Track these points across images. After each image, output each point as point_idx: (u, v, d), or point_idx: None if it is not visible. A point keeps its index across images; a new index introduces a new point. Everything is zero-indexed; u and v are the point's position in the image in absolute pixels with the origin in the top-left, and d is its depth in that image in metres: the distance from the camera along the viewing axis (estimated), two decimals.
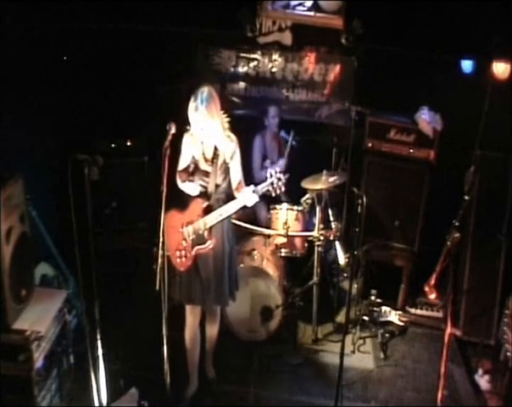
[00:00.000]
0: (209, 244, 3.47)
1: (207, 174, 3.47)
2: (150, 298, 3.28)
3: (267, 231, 4.70)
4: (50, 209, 4.39)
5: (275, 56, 5.53)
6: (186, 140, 3.44)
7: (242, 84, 5.66)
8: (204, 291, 3.54)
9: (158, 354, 3.26)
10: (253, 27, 4.84)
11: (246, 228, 4.63)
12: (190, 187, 3.49)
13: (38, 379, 3.32)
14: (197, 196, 3.49)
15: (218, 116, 3.36)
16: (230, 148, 3.45)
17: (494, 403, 4.00)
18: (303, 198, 4.65)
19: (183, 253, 3.49)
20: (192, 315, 3.68)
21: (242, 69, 5.61)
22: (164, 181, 3.17)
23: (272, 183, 3.36)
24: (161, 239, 3.19)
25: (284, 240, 4.65)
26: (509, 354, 4.03)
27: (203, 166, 3.47)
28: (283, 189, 3.40)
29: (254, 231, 4.69)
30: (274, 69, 5.58)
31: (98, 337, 3.20)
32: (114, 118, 4.95)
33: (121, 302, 4.50)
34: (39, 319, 3.43)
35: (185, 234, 3.49)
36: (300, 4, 4.87)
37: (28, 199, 3.65)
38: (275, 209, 4.72)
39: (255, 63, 5.58)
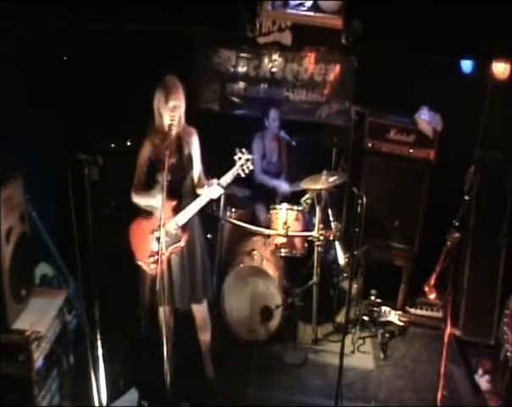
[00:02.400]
0: (182, 241, 3.48)
1: (173, 167, 3.43)
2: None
3: (267, 231, 4.70)
4: (50, 209, 4.38)
5: (275, 56, 5.54)
6: (145, 147, 3.43)
7: (241, 84, 5.67)
8: (174, 291, 3.55)
9: (158, 354, 3.26)
10: (253, 27, 4.83)
11: (246, 228, 4.63)
12: (147, 200, 3.46)
13: (38, 379, 3.32)
14: (166, 194, 3.43)
15: (183, 101, 3.39)
16: (191, 138, 3.51)
17: (494, 403, 3.99)
18: (303, 198, 4.65)
19: (156, 257, 3.43)
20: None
21: (242, 69, 5.61)
22: (164, 181, 3.17)
23: (241, 165, 3.40)
24: (161, 239, 3.19)
25: (284, 240, 4.66)
26: (509, 354, 4.04)
27: (169, 160, 3.40)
28: (251, 167, 3.43)
29: (254, 231, 4.69)
30: (274, 69, 5.59)
31: (98, 337, 3.20)
32: (113, 118, 4.95)
33: (121, 302, 4.50)
34: (39, 319, 3.43)
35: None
36: (300, 4, 4.86)
37: (28, 199, 3.65)
38: (275, 209, 4.73)
39: (255, 63, 5.59)
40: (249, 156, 3.41)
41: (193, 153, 3.53)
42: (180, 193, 3.50)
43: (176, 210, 3.46)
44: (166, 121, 3.36)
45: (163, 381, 3.33)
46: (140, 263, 3.38)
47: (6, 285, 3.23)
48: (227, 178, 3.44)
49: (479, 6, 3.86)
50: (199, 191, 3.54)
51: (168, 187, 3.36)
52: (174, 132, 3.42)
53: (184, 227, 3.49)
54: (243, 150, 3.43)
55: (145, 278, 3.55)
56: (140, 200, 3.50)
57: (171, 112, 3.33)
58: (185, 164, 3.49)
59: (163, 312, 3.60)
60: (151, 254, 3.47)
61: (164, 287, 3.48)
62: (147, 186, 3.49)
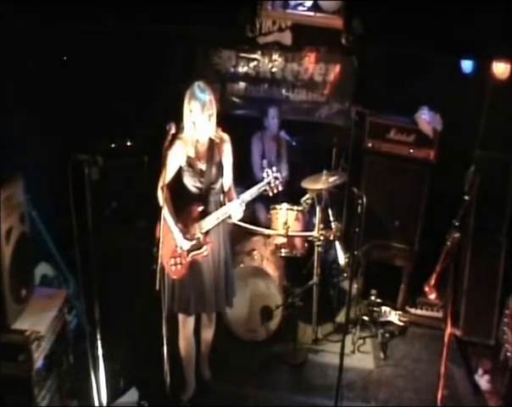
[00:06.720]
0: (205, 250, 3.42)
1: (202, 173, 3.39)
2: (150, 298, 3.27)
3: (267, 231, 4.70)
4: (50, 209, 4.38)
5: (275, 56, 5.54)
6: (177, 146, 3.31)
7: (242, 84, 5.66)
8: (199, 299, 3.48)
9: (158, 354, 3.26)
10: (253, 27, 4.85)
11: (246, 228, 4.63)
12: (168, 215, 3.33)
13: (38, 379, 3.31)
14: (193, 199, 3.42)
15: (215, 108, 3.30)
16: (223, 145, 3.42)
17: (494, 403, 3.99)
18: (303, 198, 4.64)
19: (178, 260, 3.41)
20: (184, 324, 3.61)
21: (242, 69, 5.61)
22: (164, 185, 3.17)
23: (269, 182, 3.35)
24: (161, 239, 3.19)
25: (284, 240, 4.66)
26: (509, 353, 4.03)
27: (199, 165, 3.39)
28: (280, 188, 3.39)
29: (254, 231, 4.69)
30: (274, 69, 5.59)
31: (98, 337, 3.20)
32: (114, 118, 4.96)
33: (121, 302, 4.49)
34: (39, 319, 3.42)
35: None
36: (300, 4, 4.87)
37: (28, 199, 3.65)
38: (275, 209, 4.73)
39: (255, 63, 5.59)
40: (277, 174, 3.34)
41: (224, 160, 3.42)
42: (209, 198, 3.42)
43: (203, 216, 3.40)
44: (200, 130, 3.28)
45: (163, 381, 3.33)
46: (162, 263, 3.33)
47: (6, 285, 3.23)
48: (248, 195, 3.36)
49: (479, 6, 3.86)
50: (226, 202, 3.47)
51: (196, 193, 3.39)
52: (207, 139, 3.36)
53: (209, 237, 3.43)
54: (273, 168, 3.37)
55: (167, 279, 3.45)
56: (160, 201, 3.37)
57: (206, 121, 3.24)
58: (214, 171, 3.40)
59: (182, 318, 3.59)
60: (172, 256, 3.42)
61: (185, 294, 3.46)
62: (173, 189, 3.42)
